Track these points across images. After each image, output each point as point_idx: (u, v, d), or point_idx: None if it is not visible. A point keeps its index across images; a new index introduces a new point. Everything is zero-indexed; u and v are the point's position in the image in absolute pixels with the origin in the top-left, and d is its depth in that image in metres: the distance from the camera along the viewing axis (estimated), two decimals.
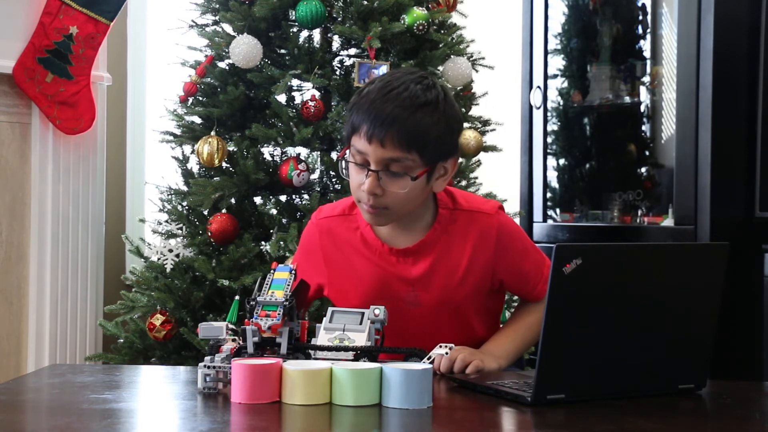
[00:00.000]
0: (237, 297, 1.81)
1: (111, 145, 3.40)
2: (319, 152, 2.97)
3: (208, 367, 1.52)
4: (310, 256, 1.92)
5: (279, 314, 1.54)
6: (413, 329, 1.85)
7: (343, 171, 1.80)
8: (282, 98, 2.91)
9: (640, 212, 3.47)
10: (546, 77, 3.63)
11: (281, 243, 2.72)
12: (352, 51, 3.01)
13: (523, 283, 1.93)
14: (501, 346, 1.87)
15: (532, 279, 1.92)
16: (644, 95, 3.60)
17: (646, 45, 3.65)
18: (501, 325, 2.02)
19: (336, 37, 3.00)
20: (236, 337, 1.61)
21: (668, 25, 3.39)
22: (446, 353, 1.54)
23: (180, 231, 2.88)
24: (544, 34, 3.63)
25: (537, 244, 3.66)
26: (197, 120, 2.94)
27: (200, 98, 2.93)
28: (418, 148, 1.71)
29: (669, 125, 3.36)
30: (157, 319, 2.79)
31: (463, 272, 1.84)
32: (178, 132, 2.97)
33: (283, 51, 2.93)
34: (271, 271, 1.61)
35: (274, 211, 2.92)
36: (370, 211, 1.76)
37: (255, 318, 1.54)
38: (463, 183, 3.02)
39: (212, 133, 2.85)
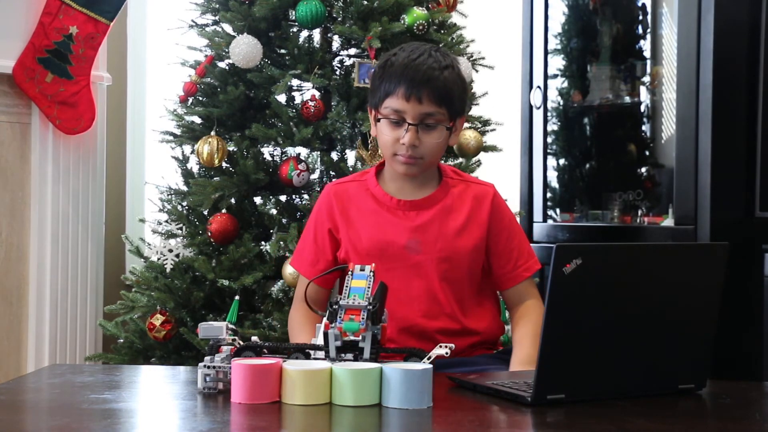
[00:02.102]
0: (237, 297, 1.82)
1: (111, 145, 3.40)
2: (319, 152, 2.97)
3: (208, 367, 1.52)
4: (325, 217, 2.09)
5: (363, 318, 1.53)
6: (415, 287, 2.00)
7: (374, 129, 2.04)
8: (282, 98, 2.91)
9: (640, 212, 3.47)
10: (546, 77, 3.63)
11: (281, 243, 2.73)
12: (352, 51, 3.01)
13: (505, 258, 2.06)
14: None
15: (514, 258, 2.07)
16: (644, 95, 3.60)
17: (646, 45, 3.65)
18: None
19: (336, 37, 3.00)
20: (235, 338, 1.61)
21: (668, 25, 3.39)
22: (446, 353, 1.54)
23: (180, 231, 2.88)
24: (544, 34, 3.63)
25: (537, 244, 3.66)
26: (197, 120, 2.94)
27: (200, 98, 2.93)
28: (446, 104, 1.97)
29: (669, 125, 3.36)
30: (157, 319, 2.79)
31: (461, 225, 2.03)
32: (178, 132, 2.97)
33: (283, 51, 2.93)
34: (350, 273, 1.61)
35: (274, 211, 2.92)
36: (407, 161, 1.98)
37: (338, 322, 1.54)
38: None
39: (212, 133, 2.85)
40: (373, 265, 1.63)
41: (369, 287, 1.58)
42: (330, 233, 2.07)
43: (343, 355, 1.54)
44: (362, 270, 1.61)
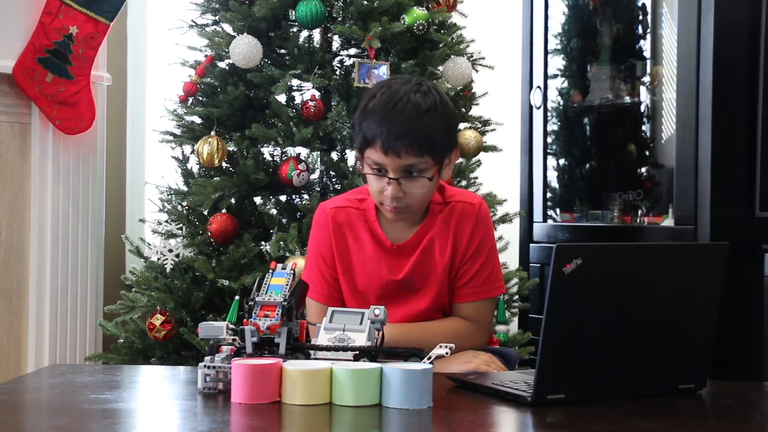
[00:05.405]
0: (237, 297, 1.82)
1: (111, 145, 3.40)
2: (319, 152, 2.97)
3: (208, 367, 1.52)
4: (325, 243, 2.03)
5: (278, 314, 1.54)
6: (411, 314, 2.00)
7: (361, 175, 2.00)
8: (282, 98, 2.91)
9: (640, 212, 3.47)
10: (546, 77, 3.63)
11: (281, 243, 2.72)
12: (352, 51, 3.01)
13: (460, 275, 2.01)
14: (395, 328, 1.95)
15: (467, 278, 2.01)
16: (644, 95, 3.60)
17: (646, 45, 3.65)
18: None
19: (336, 37, 3.00)
20: (236, 338, 1.61)
21: (668, 25, 3.39)
22: (447, 353, 1.54)
23: (180, 231, 2.88)
24: (544, 34, 3.63)
25: (537, 244, 3.65)
26: (197, 120, 2.94)
27: (200, 98, 2.93)
28: (429, 151, 1.88)
29: (669, 125, 3.36)
30: (157, 319, 2.79)
31: (449, 255, 2.00)
32: (178, 132, 2.97)
33: (283, 51, 2.93)
34: (270, 271, 1.62)
35: (274, 211, 2.92)
36: (393, 212, 1.93)
37: (254, 318, 1.55)
38: (463, 183, 3.02)
39: (212, 133, 2.85)
40: (294, 263, 1.63)
41: (287, 284, 1.58)
42: (332, 255, 2.02)
43: (258, 352, 1.54)
44: (283, 269, 1.62)
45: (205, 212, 2.89)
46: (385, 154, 1.86)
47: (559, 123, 3.78)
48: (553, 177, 3.74)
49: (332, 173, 2.92)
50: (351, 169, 2.86)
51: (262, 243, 2.88)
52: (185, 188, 2.94)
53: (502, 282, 2.07)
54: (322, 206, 2.05)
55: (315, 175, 2.94)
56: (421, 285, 2.00)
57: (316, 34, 2.98)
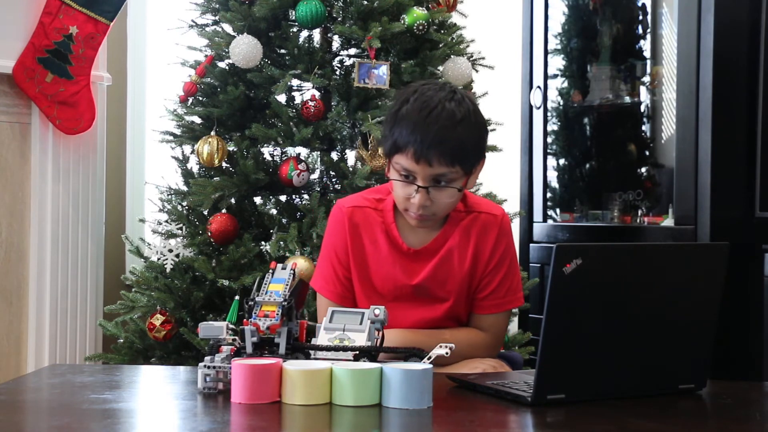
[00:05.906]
0: (237, 297, 1.82)
1: (111, 145, 3.40)
2: (319, 152, 2.97)
3: (208, 367, 1.52)
4: (339, 241, 2.01)
5: (277, 314, 1.54)
6: (424, 320, 1.98)
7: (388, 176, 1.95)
8: (282, 98, 2.91)
9: (640, 212, 3.47)
10: (546, 77, 3.63)
11: (281, 243, 2.73)
12: (352, 51, 3.01)
13: (482, 287, 2.00)
14: (408, 333, 1.94)
15: (489, 290, 1.99)
16: (644, 95, 3.60)
17: (646, 45, 3.65)
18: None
19: (336, 37, 3.00)
20: (236, 338, 1.61)
21: (668, 25, 3.39)
22: (447, 353, 1.54)
23: (180, 231, 2.88)
24: (544, 34, 3.63)
25: (537, 244, 3.65)
26: (197, 120, 2.94)
27: (200, 98, 2.93)
28: (460, 162, 1.86)
29: (669, 125, 3.36)
30: (157, 319, 2.79)
31: (469, 265, 1.98)
32: (178, 132, 2.97)
33: (283, 51, 2.93)
34: (270, 271, 1.62)
35: (274, 211, 2.93)
36: (418, 218, 1.91)
37: (253, 318, 1.55)
38: None
39: (212, 133, 2.85)
40: (294, 263, 1.63)
41: (287, 285, 1.58)
42: (347, 254, 2.00)
43: (258, 352, 1.55)
44: (283, 269, 1.62)
45: (205, 212, 2.89)
46: (416, 162, 1.84)
47: (559, 123, 3.78)
48: (553, 177, 3.74)
49: (332, 173, 2.92)
50: (351, 169, 2.86)
51: (262, 243, 2.88)
52: (185, 188, 2.94)
53: (522, 293, 2.06)
54: (339, 204, 2.03)
55: (315, 175, 2.94)
56: (437, 292, 1.98)
57: (316, 34, 2.98)
